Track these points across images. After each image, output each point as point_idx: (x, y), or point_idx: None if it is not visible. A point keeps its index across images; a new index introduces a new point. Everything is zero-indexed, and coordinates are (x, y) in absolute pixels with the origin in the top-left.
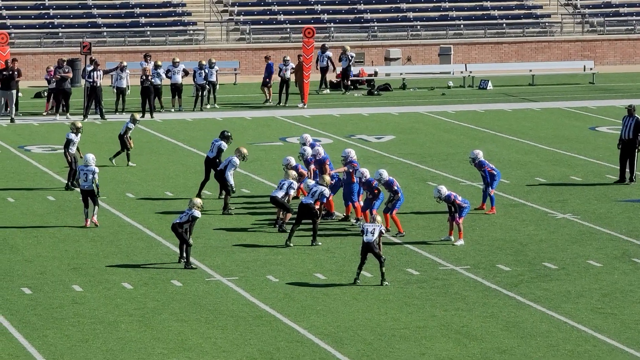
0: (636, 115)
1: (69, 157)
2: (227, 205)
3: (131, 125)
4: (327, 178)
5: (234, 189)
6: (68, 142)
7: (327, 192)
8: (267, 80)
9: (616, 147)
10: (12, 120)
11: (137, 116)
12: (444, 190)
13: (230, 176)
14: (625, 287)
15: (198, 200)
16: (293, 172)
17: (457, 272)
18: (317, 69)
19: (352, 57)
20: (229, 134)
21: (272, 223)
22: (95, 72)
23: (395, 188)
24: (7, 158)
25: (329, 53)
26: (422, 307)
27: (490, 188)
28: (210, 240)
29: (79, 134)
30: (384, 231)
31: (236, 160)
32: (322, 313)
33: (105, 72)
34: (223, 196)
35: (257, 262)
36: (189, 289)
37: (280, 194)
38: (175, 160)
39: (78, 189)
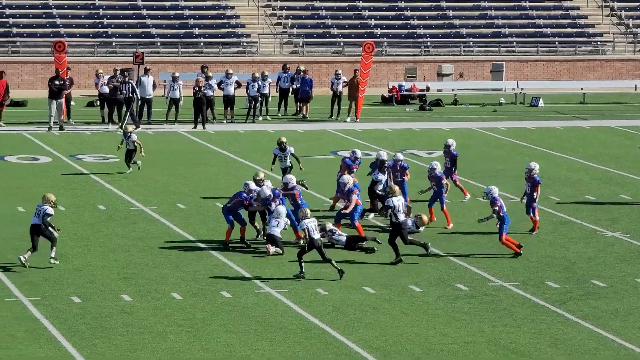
0: None
1: None
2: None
3: (123, 137)
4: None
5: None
6: None
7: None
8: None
9: None
10: (61, 129)
11: (130, 128)
12: (495, 191)
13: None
14: None
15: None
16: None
17: (506, 288)
18: (276, 91)
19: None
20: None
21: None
22: (127, 84)
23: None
24: (58, 166)
25: (291, 73)
26: (471, 322)
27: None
28: (260, 252)
29: None
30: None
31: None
32: (371, 327)
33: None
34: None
35: (306, 275)
36: (238, 301)
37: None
38: (227, 172)
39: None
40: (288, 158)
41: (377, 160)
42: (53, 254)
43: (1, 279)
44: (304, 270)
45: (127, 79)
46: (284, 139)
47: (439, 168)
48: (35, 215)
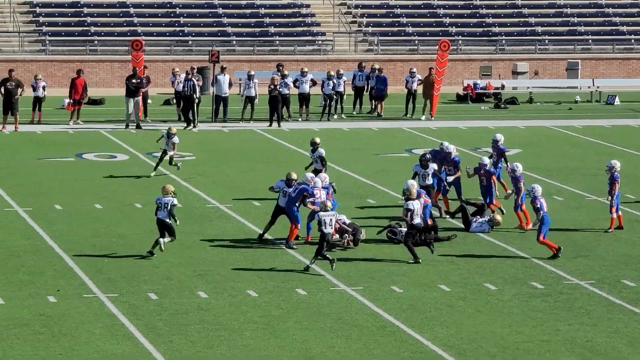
0: None
1: None
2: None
3: (165, 135)
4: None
5: None
6: None
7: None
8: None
9: None
10: (138, 127)
11: (174, 129)
12: (538, 190)
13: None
14: None
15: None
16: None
17: (582, 286)
18: (352, 89)
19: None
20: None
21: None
22: (188, 82)
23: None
24: (135, 164)
25: (367, 71)
26: (546, 320)
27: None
28: (335, 250)
29: None
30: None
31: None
32: (446, 324)
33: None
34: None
35: (381, 273)
36: (313, 298)
37: None
38: (302, 170)
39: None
40: (318, 160)
41: (440, 150)
42: (167, 239)
43: (79, 276)
44: (331, 257)
45: (189, 76)
46: (317, 140)
47: (519, 170)
48: (163, 210)
